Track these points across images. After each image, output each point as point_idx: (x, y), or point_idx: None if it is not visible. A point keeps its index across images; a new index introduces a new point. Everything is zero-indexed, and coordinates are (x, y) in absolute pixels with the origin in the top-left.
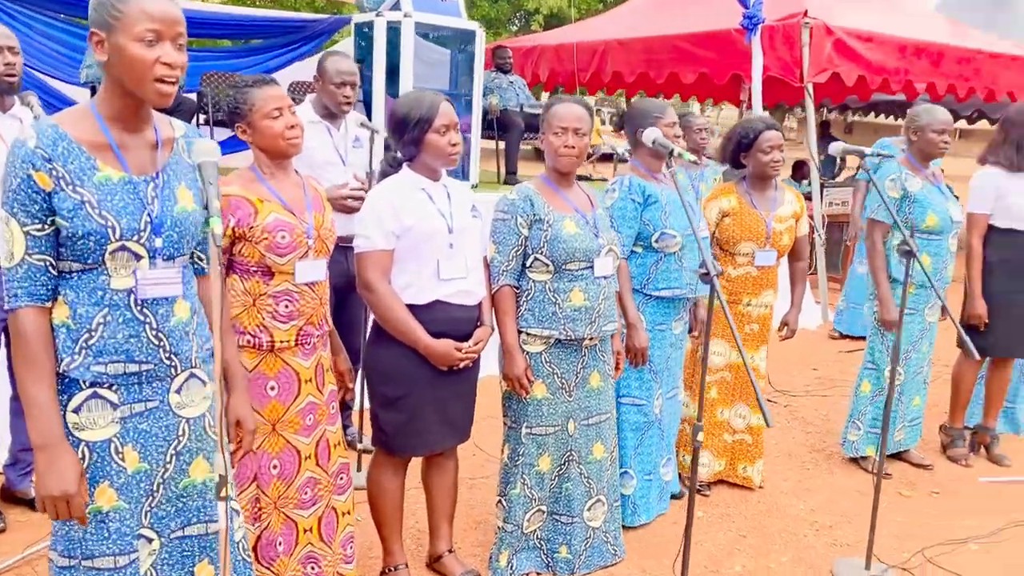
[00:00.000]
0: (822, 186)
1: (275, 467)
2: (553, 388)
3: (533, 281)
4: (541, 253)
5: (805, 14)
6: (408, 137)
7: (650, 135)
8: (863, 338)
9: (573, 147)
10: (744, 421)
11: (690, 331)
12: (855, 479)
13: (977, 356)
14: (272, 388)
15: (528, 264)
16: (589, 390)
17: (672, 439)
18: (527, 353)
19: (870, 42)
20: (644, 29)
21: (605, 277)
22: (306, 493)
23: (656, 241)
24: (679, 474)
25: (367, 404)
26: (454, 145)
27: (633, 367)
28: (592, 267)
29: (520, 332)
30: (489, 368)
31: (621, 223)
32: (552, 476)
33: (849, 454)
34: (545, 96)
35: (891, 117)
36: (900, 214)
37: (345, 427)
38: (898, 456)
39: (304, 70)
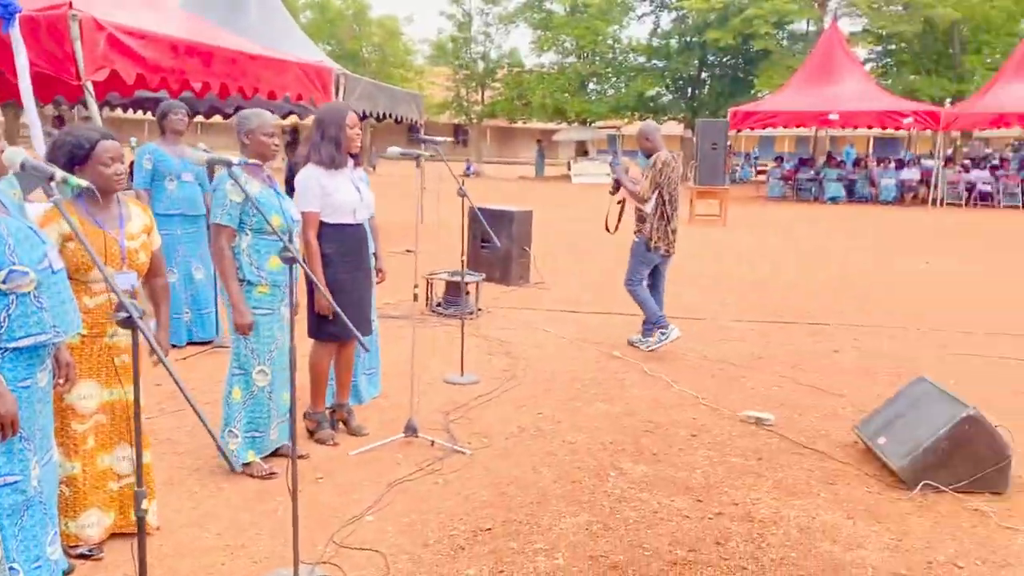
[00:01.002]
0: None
1: None
2: None
3: None
4: None
5: (71, 6)
6: None
7: (15, 156)
8: (190, 344)
9: None
10: (131, 463)
11: (53, 377)
12: (245, 487)
13: (368, 347)
14: None
15: None
16: None
17: (54, 510)
18: None
19: (143, 40)
20: None
21: None
22: None
23: (4, 282)
24: (64, 546)
25: None
26: None
27: (0, 440)
28: None
29: None
30: None
31: None
32: None
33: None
34: None
35: (148, 113)
36: (246, 216)
37: None
38: (275, 454)
39: None
